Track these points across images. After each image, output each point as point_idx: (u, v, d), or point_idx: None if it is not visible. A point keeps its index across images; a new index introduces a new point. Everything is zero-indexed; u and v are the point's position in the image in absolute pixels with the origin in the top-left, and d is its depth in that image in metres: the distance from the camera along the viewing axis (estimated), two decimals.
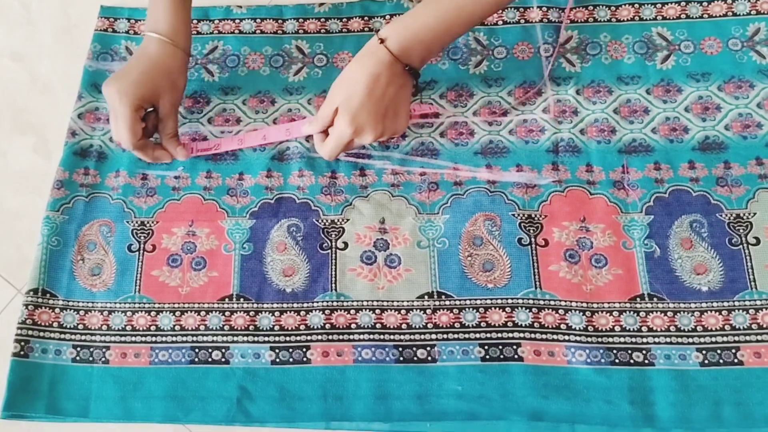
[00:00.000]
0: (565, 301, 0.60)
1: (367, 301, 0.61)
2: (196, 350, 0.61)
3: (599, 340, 0.58)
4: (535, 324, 0.59)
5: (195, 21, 0.74)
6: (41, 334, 0.61)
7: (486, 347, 0.59)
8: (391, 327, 0.60)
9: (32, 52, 0.76)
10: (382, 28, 0.59)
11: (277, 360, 0.60)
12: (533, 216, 0.62)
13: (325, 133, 0.61)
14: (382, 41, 0.58)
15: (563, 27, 0.68)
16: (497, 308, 0.60)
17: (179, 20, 0.64)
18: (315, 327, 0.61)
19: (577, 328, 0.59)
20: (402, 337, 0.60)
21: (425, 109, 0.67)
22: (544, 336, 0.59)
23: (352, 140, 0.60)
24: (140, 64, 0.63)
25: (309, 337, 0.60)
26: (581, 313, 0.59)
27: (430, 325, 0.60)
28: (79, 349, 0.61)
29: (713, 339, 0.58)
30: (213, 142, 0.68)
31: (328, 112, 0.60)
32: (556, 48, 0.68)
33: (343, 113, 0.58)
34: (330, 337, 0.60)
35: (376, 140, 0.60)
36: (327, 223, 0.64)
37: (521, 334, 0.59)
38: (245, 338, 0.61)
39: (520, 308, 0.60)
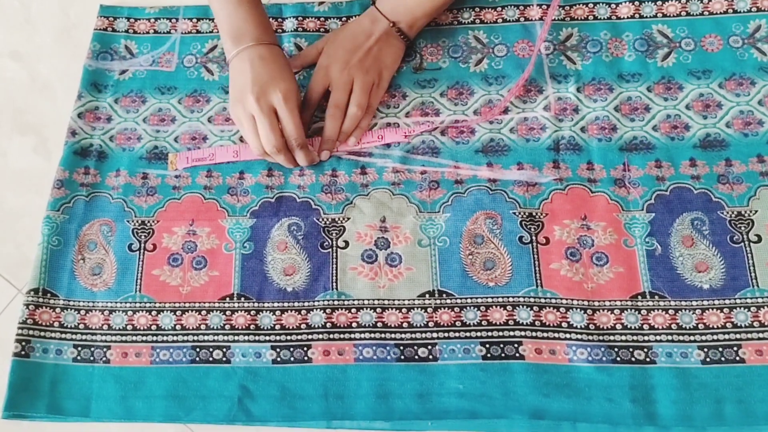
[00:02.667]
0: (567, 300, 0.60)
1: (368, 299, 0.61)
2: (197, 350, 0.60)
3: (600, 338, 0.58)
4: (537, 322, 0.59)
5: (195, 20, 0.74)
6: (42, 333, 0.61)
7: (487, 346, 0.59)
8: (392, 326, 0.60)
9: (32, 52, 0.76)
10: None
11: (278, 359, 0.60)
12: (534, 214, 0.62)
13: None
14: (373, 3, 0.68)
15: (547, 23, 0.67)
16: (498, 307, 0.60)
17: (267, 22, 0.67)
18: (316, 326, 0.60)
19: (579, 327, 0.59)
20: (403, 335, 0.60)
21: (394, 136, 0.67)
22: (545, 334, 0.59)
23: (339, 80, 0.66)
24: (269, 67, 0.63)
25: (310, 336, 0.60)
26: (582, 312, 0.59)
27: (431, 324, 0.60)
28: (80, 348, 0.61)
29: (715, 337, 0.58)
30: (207, 151, 0.68)
31: (312, 50, 0.70)
32: (537, 46, 0.68)
33: (323, 54, 0.68)
34: (331, 335, 0.60)
35: (350, 79, 0.65)
36: (328, 222, 0.64)
37: (522, 333, 0.59)
38: (246, 337, 0.61)
39: (521, 306, 0.60)
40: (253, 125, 0.63)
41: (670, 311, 0.59)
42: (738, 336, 0.57)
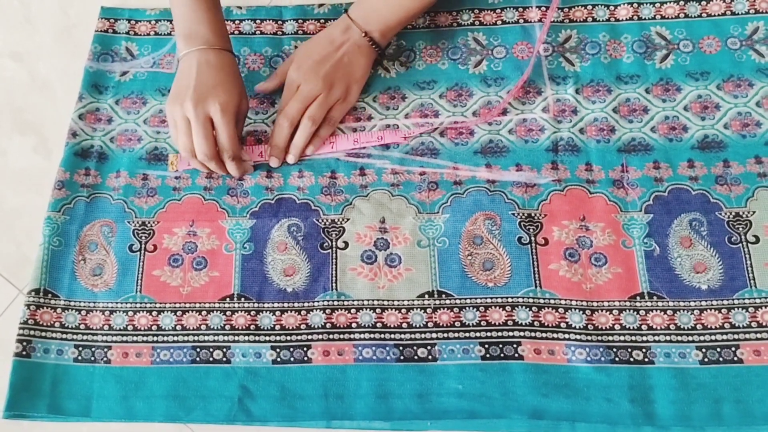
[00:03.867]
0: (565, 300, 0.60)
1: (368, 300, 0.61)
2: (198, 350, 0.61)
3: (599, 338, 0.59)
4: (535, 323, 0.59)
5: None
6: (43, 334, 0.61)
7: (486, 346, 0.59)
8: (392, 326, 0.60)
9: (32, 52, 0.76)
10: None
11: (278, 359, 0.60)
12: (533, 215, 0.63)
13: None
14: (345, 11, 0.67)
15: (546, 25, 0.68)
16: (497, 307, 0.60)
17: (224, 27, 0.67)
18: (316, 326, 0.61)
19: (577, 327, 0.59)
20: (402, 336, 0.60)
21: (393, 137, 0.67)
22: (544, 335, 0.59)
23: (302, 92, 0.64)
24: (214, 74, 0.63)
25: (310, 337, 0.60)
26: (581, 312, 0.59)
27: (430, 324, 0.60)
28: (80, 348, 0.61)
29: (713, 337, 0.58)
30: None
31: (286, 65, 0.68)
32: (536, 48, 0.68)
33: (294, 59, 0.67)
34: (331, 336, 0.60)
35: (314, 91, 0.64)
36: (327, 223, 0.64)
37: (521, 333, 0.59)
38: (246, 338, 0.61)
39: (520, 307, 0.60)
40: (187, 127, 0.62)
41: (668, 312, 0.59)
42: (736, 336, 0.58)
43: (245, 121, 0.68)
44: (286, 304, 0.62)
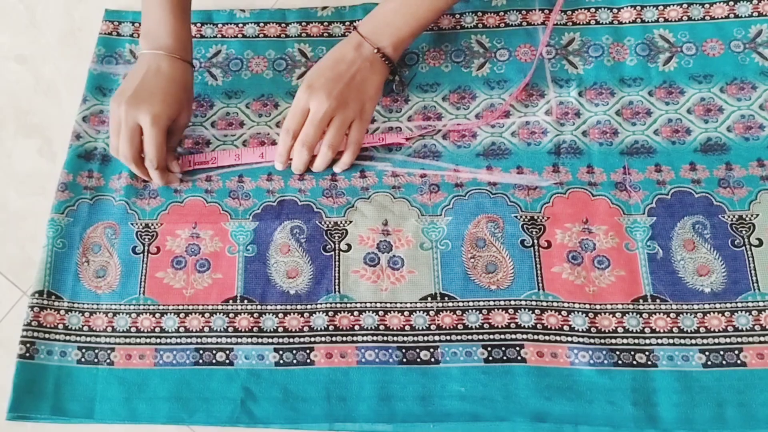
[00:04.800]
0: (568, 303, 0.60)
1: (371, 302, 0.61)
2: (201, 352, 0.61)
3: (602, 341, 0.58)
4: (538, 325, 0.59)
5: (198, 24, 0.74)
6: (46, 335, 0.62)
7: (489, 349, 0.59)
8: (395, 328, 0.60)
9: (36, 55, 0.77)
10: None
11: (281, 361, 0.60)
12: (536, 218, 0.63)
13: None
14: (355, 28, 0.64)
15: (549, 27, 0.68)
16: (500, 310, 0.60)
17: (186, 34, 0.65)
18: (318, 328, 0.61)
19: (580, 330, 0.59)
20: (405, 338, 0.60)
21: (395, 138, 0.67)
22: (547, 337, 0.59)
23: (316, 114, 0.61)
24: (158, 82, 0.63)
25: (312, 339, 0.61)
26: (584, 315, 0.59)
27: (433, 327, 0.60)
28: (84, 350, 0.61)
29: (716, 340, 0.58)
30: (210, 155, 0.68)
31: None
32: (540, 50, 0.68)
33: (305, 79, 0.63)
34: (333, 338, 0.60)
35: (328, 112, 0.61)
36: (330, 225, 0.64)
37: (524, 336, 0.59)
38: (249, 340, 0.61)
39: (522, 310, 0.60)
40: (118, 127, 0.63)
41: (671, 315, 0.59)
42: (739, 339, 0.58)
43: (183, 132, 0.67)
44: (288, 307, 0.62)
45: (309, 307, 0.62)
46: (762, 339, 0.57)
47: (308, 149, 0.63)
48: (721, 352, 0.57)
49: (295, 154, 0.64)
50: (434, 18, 0.65)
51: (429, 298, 0.61)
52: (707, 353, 0.57)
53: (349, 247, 0.63)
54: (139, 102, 0.61)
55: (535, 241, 0.62)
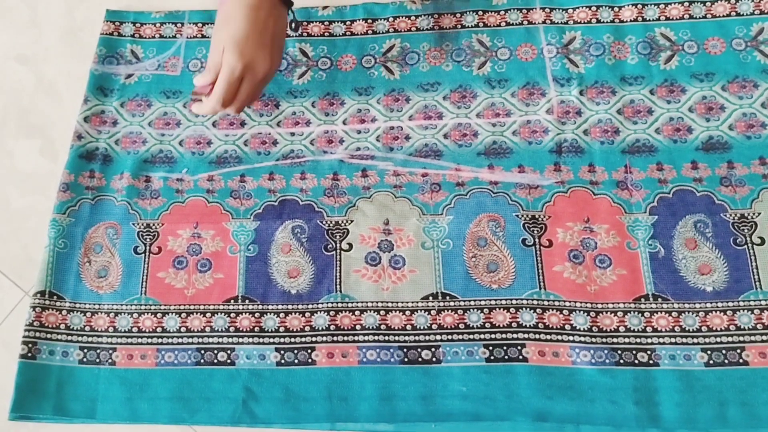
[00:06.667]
0: (570, 302, 0.60)
1: (372, 302, 0.61)
2: (202, 351, 0.61)
3: (604, 340, 0.58)
4: (540, 324, 0.59)
5: (200, 24, 0.74)
6: (48, 335, 0.62)
7: (490, 348, 0.59)
8: (396, 328, 0.60)
9: (38, 55, 0.77)
10: None
11: (283, 361, 0.60)
12: (537, 217, 0.63)
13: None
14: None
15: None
16: (502, 309, 0.60)
17: None
18: (320, 328, 0.61)
19: (582, 329, 0.59)
20: (407, 338, 0.60)
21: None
22: (548, 336, 0.59)
23: (244, 81, 0.58)
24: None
25: (314, 339, 0.61)
26: (585, 314, 0.59)
27: (434, 326, 0.60)
28: (85, 350, 0.61)
29: (718, 339, 0.58)
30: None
31: (217, 56, 0.58)
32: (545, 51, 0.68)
33: (230, 47, 0.57)
34: (335, 338, 0.60)
35: (268, 74, 0.59)
36: (331, 225, 0.64)
37: (526, 335, 0.59)
38: (251, 339, 0.61)
39: (524, 309, 0.60)
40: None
41: (673, 314, 0.59)
42: (741, 338, 0.57)
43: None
44: (290, 306, 0.62)
45: (310, 306, 0.62)
46: (764, 338, 0.57)
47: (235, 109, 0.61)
48: (723, 351, 0.57)
49: (213, 107, 0.60)
50: None
51: (430, 298, 0.61)
52: (709, 352, 0.57)
53: (351, 246, 0.63)
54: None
55: (537, 240, 0.62)
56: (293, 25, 0.66)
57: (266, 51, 0.59)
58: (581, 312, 0.59)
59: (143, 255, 0.64)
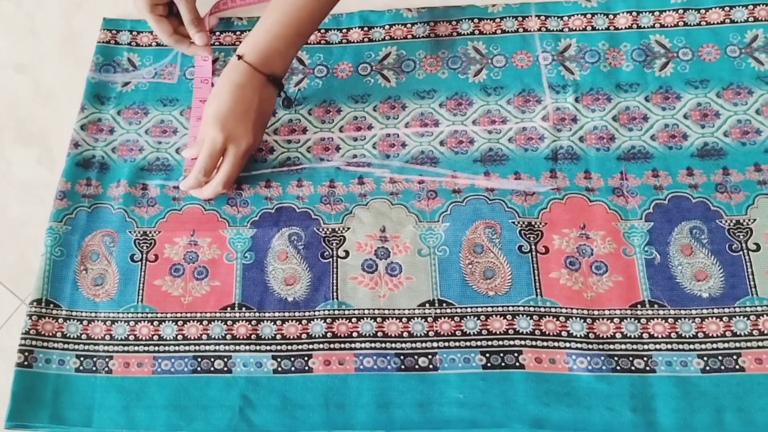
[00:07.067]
0: (566, 309, 0.60)
1: (369, 309, 0.61)
2: (199, 359, 0.61)
3: (600, 347, 0.58)
4: (536, 331, 0.59)
5: None
6: (45, 344, 0.62)
7: (487, 355, 0.59)
8: (393, 335, 0.60)
9: (35, 63, 0.77)
10: (239, 46, 0.64)
11: (279, 369, 0.60)
12: (533, 223, 0.63)
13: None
14: (240, 57, 0.63)
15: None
16: (498, 316, 0.60)
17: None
18: (316, 336, 0.61)
19: (578, 335, 0.59)
20: (403, 345, 0.60)
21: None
22: (545, 343, 0.59)
23: (227, 153, 0.62)
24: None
25: (311, 346, 0.61)
26: (582, 320, 0.59)
27: (431, 333, 0.60)
28: (82, 359, 0.61)
29: (714, 345, 0.58)
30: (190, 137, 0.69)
31: (203, 129, 0.63)
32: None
33: (213, 121, 0.62)
34: (331, 345, 0.60)
35: (250, 150, 0.64)
36: (328, 232, 0.64)
37: (522, 342, 0.59)
38: (247, 347, 0.61)
39: (521, 316, 0.60)
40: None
41: (669, 320, 0.59)
42: (737, 345, 0.57)
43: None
44: (287, 314, 0.62)
45: (307, 314, 0.62)
46: (760, 344, 0.57)
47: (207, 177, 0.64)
48: (720, 357, 0.57)
49: (207, 191, 0.64)
50: (316, 27, 0.66)
51: (427, 305, 0.61)
52: (706, 358, 0.57)
53: (347, 253, 0.63)
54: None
55: (533, 246, 0.62)
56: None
57: (248, 126, 0.63)
58: (578, 319, 0.59)
59: (140, 263, 0.64)
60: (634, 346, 0.58)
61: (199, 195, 0.65)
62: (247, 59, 0.62)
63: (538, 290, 0.61)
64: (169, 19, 0.71)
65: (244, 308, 0.62)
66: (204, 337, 0.61)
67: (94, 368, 0.61)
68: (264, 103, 0.64)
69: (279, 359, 0.60)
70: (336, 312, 0.61)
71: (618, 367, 0.58)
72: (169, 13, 0.71)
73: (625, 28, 0.70)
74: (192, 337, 0.61)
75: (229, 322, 0.62)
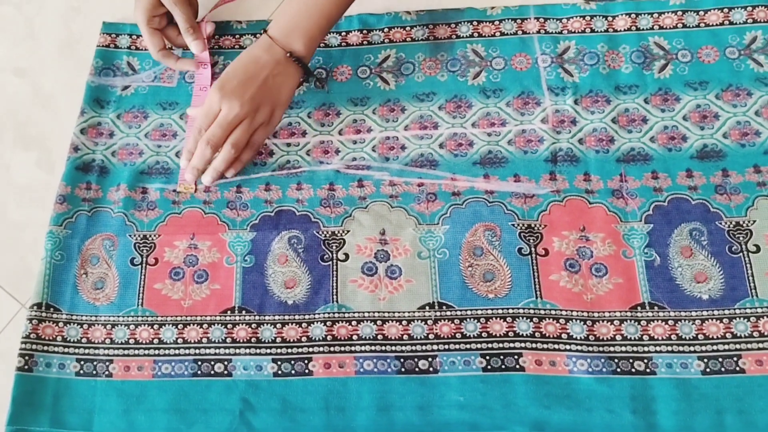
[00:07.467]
0: (566, 311, 0.60)
1: (369, 312, 0.61)
2: (199, 363, 0.61)
3: (600, 349, 0.58)
4: (536, 334, 0.59)
5: None
6: (45, 348, 0.62)
7: (487, 357, 0.59)
8: (393, 338, 0.60)
9: (35, 67, 0.77)
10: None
11: (279, 372, 0.60)
12: (533, 226, 0.63)
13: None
14: (265, 31, 0.65)
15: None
16: (498, 318, 0.60)
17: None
18: (316, 339, 0.61)
19: (578, 338, 0.59)
20: (403, 348, 0.60)
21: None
22: (545, 346, 0.59)
23: (226, 117, 0.63)
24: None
25: (311, 349, 0.61)
26: (582, 323, 0.59)
27: (431, 336, 0.60)
28: (82, 362, 0.61)
29: (714, 347, 0.58)
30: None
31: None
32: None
33: (216, 83, 0.64)
34: (332, 348, 0.60)
35: (242, 116, 0.63)
36: (327, 235, 0.64)
37: (522, 344, 0.59)
38: (247, 350, 0.61)
39: (521, 318, 0.60)
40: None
41: (669, 322, 0.59)
42: (738, 346, 0.57)
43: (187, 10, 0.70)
44: (287, 317, 0.62)
45: (307, 317, 0.62)
46: (761, 345, 0.57)
47: (212, 148, 0.64)
48: (720, 359, 0.57)
49: (199, 150, 0.65)
50: (342, 12, 0.67)
51: (427, 307, 0.61)
52: (706, 360, 0.57)
53: (347, 256, 0.63)
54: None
55: (533, 249, 0.62)
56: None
57: (246, 93, 0.63)
58: (578, 321, 0.59)
59: (140, 266, 0.64)
60: (635, 348, 0.58)
61: (189, 147, 0.65)
62: (269, 32, 0.64)
63: (538, 292, 0.61)
64: (168, 27, 0.71)
65: (244, 311, 0.62)
66: (204, 340, 0.61)
67: (94, 372, 0.61)
68: (277, 78, 0.64)
69: (279, 362, 0.60)
70: (336, 315, 0.61)
71: (618, 369, 0.58)
72: (169, 22, 0.71)
73: (624, 30, 0.70)
74: (192, 341, 0.62)
75: (229, 326, 0.62)
